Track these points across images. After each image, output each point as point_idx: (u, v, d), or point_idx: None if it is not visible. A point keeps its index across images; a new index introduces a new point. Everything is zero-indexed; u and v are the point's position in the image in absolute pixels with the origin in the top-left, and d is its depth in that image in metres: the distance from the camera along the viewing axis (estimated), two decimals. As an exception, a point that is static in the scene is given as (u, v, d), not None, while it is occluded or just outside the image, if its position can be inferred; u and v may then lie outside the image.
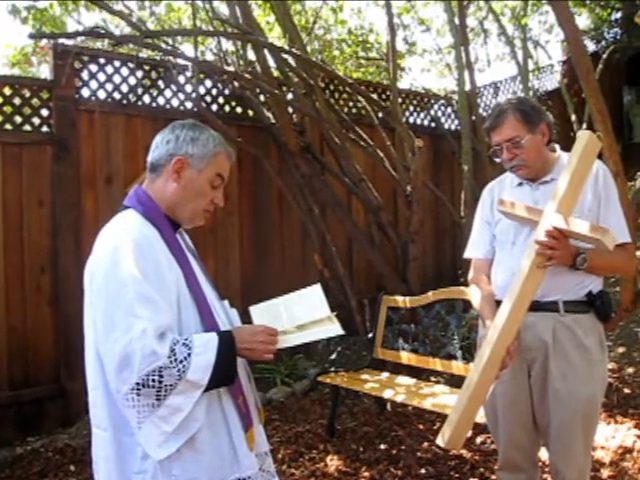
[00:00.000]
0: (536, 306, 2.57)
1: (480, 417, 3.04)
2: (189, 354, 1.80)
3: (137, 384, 1.74)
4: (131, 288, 1.78)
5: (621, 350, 6.09)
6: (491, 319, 2.59)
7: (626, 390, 5.23)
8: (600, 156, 3.27)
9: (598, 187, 2.65)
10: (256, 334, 1.98)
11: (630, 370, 5.65)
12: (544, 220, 2.50)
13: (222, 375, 1.87)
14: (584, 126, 7.76)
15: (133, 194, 2.03)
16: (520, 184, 2.81)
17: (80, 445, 4.69)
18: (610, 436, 4.46)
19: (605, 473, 3.97)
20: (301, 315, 2.08)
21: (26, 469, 4.55)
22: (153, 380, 1.75)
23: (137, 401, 1.76)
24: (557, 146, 2.82)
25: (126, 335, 1.74)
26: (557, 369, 2.63)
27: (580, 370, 2.62)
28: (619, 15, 11.65)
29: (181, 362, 1.78)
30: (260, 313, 2.14)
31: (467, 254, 3.01)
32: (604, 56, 9.46)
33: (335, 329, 2.08)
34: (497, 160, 2.77)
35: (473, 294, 2.89)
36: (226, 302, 2.17)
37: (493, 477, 3.93)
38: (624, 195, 3.66)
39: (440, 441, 2.47)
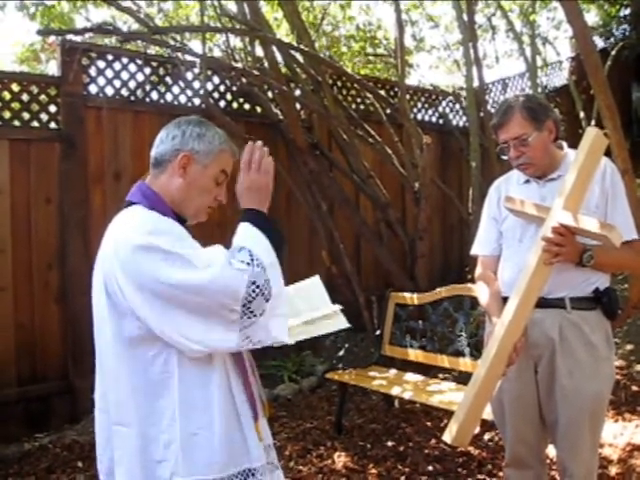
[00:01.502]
0: (543, 302, 2.57)
1: (488, 414, 3.04)
2: (251, 248, 1.87)
3: (244, 306, 1.79)
4: (185, 254, 1.80)
5: (629, 347, 6.07)
6: (498, 316, 2.59)
7: (634, 387, 5.22)
8: (608, 153, 3.27)
9: (605, 184, 2.64)
10: (244, 173, 2.05)
11: (639, 367, 5.64)
12: (551, 217, 2.50)
13: (278, 238, 1.99)
14: (592, 123, 7.73)
15: (137, 190, 2.02)
16: (527, 181, 2.81)
17: (88, 441, 4.70)
18: (618, 433, 4.45)
19: (613, 470, 3.96)
20: (303, 307, 2.09)
21: (34, 465, 4.57)
22: (253, 291, 1.80)
23: (253, 316, 1.81)
24: (564, 143, 2.81)
25: (208, 276, 1.77)
26: (564, 366, 2.62)
27: (587, 367, 2.61)
28: (628, 12, 11.59)
29: (252, 261, 1.83)
30: None
31: (474, 251, 3.01)
32: (613, 53, 9.42)
33: (341, 322, 2.08)
34: (504, 157, 2.77)
35: (480, 291, 2.88)
36: None
37: (501, 474, 3.92)
38: (632, 192, 3.65)
39: (447, 438, 2.47)
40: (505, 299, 2.66)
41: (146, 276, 1.80)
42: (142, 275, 1.81)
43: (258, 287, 1.81)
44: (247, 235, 1.93)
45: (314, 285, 2.14)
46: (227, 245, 1.94)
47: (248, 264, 1.82)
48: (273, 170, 2.08)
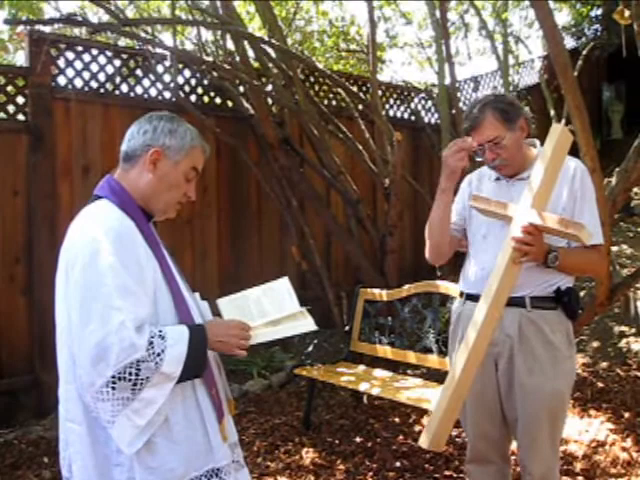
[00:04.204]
0: None
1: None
2: (166, 346, 1.78)
3: (113, 377, 1.72)
4: (110, 279, 1.76)
5: (595, 345, 6.14)
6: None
7: (600, 384, 5.28)
8: (577, 152, 3.28)
9: (574, 186, 2.65)
10: (230, 328, 1.99)
11: (604, 364, 5.71)
12: (519, 215, 2.50)
13: (192, 367, 1.86)
14: (563, 121, 7.79)
15: (105, 184, 2.01)
16: (498, 179, 2.82)
17: (54, 437, 4.66)
18: (583, 430, 4.50)
19: (578, 466, 4.01)
20: (271, 309, 2.08)
21: (-2, 461, 4.52)
22: (130, 373, 1.72)
23: (112, 395, 1.73)
24: (537, 142, 2.82)
25: (103, 327, 1.72)
26: (523, 364, 2.64)
27: (546, 365, 2.63)
28: (600, 12, 11.69)
29: (158, 355, 1.76)
30: (229, 306, 2.13)
31: None
32: (584, 53, 9.50)
33: (308, 324, 2.07)
34: (479, 159, 2.76)
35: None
36: (197, 294, 2.16)
37: (467, 470, 3.95)
38: (600, 191, 3.68)
39: (423, 443, 2.45)
40: (469, 296, 2.69)
41: (83, 273, 1.81)
42: (80, 270, 1.82)
43: (137, 375, 1.74)
44: (176, 336, 1.84)
45: (282, 286, 2.13)
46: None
47: (151, 351, 1.76)
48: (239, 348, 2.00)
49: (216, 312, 2.14)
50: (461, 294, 2.88)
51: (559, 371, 2.65)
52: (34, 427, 5.03)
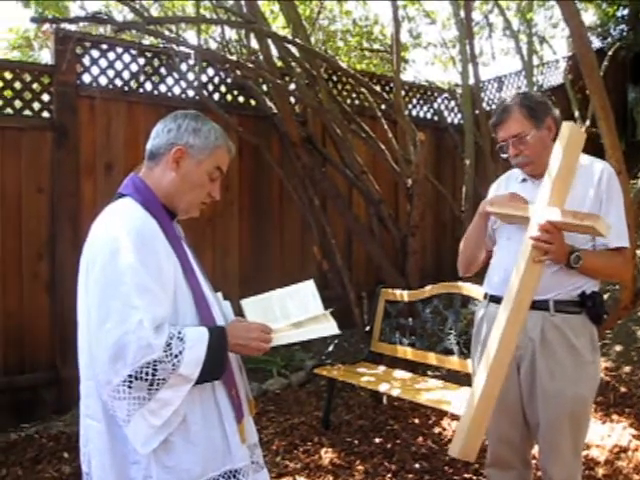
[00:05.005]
0: None
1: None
2: (184, 348, 1.78)
3: (130, 376, 1.72)
4: (129, 278, 1.76)
5: (618, 349, 6.08)
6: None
7: (623, 389, 5.23)
8: (603, 153, 3.25)
9: (601, 188, 2.61)
10: (251, 330, 1.98)
11: (627, 369, 5.64)
12: (536, 215, 2.48)
13: (211, 370, 1.86)
14: (587, 123, 7.73)
15: (129, 182, 2.01)
16: (524, 180, 2.80)
17: (74, 432, 4.66)
18: (606, 435, 4.45)
19: (600, 472, 3.96)
20: (294, 311, 2.07)
21: (20, 455, 4.55)
22: (147, 373, 1.73)
23: (128, 394, 1.74)
24: None
25: (122, 326, 1.72)
26: (545, 368, 2.61)
27: (569, 370, 2.60)
28: (626, 12, 11.59)
29: (176, 357, 1.76)
30: (252, 307, 2.12)
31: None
32: (609, 53, 9.41)
33: (331, 328, 2.06)
34: (504, 156, 2.75)
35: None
36: (219, 294, 2.16)
37: (487, 473, 3.91)
38: (626, 193, 3.63)
39: (454, 452, 2.42)
40: (493, 298, 2.66)
41: (103, 271, 1.81)
42: (100, 268, 1.82)
43: (154, 375, 1.74)
44: (195, 337, 1.83)
45: (308, 289, 2.12)
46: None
47: (169, 352, 1.76)
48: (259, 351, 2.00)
49: (238, 312, 2.13)
50: (485, 296, 2.87)
51: (582, 376, 2.62)
52: (55, 422, 5.07)
